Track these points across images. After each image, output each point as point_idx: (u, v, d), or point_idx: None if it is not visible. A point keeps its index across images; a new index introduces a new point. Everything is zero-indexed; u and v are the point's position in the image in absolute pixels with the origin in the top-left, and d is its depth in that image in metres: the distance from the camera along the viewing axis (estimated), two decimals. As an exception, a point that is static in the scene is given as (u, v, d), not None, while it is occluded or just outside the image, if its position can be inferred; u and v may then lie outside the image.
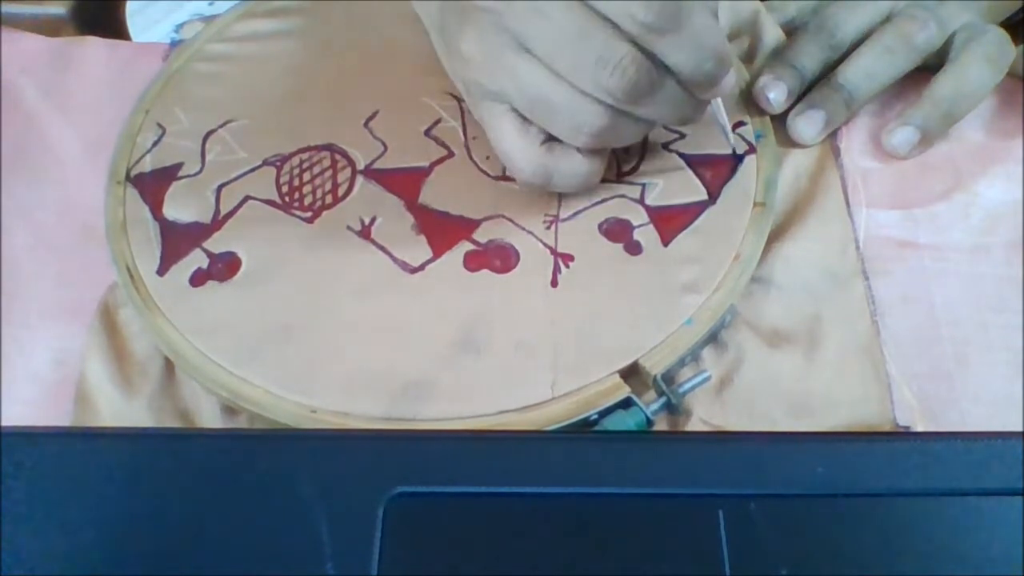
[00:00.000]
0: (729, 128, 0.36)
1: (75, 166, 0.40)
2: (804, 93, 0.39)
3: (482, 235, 0.36)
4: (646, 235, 0.36)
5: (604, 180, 0.37)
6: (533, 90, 0.31)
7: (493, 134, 0.34)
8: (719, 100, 0.35)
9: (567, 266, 0.35)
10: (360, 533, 0.26)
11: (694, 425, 0.32)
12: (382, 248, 0.36)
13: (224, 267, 0.36)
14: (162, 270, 0.36)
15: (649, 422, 0.31)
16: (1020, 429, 0.32)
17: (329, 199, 0.37)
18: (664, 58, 0.29)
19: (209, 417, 0.34)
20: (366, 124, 0.39)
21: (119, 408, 0.33)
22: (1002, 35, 0.38)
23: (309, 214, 0.37)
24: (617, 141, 0.33)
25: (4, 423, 0.33)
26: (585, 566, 0.26)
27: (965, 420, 0.32)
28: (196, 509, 0.27)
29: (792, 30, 0.42)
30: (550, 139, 0.33)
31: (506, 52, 0.30)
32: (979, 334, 0.34)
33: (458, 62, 0.33)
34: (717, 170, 0.37)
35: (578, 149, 0.33)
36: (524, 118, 0.33)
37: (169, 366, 0.35)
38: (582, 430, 0.32)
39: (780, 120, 0.39)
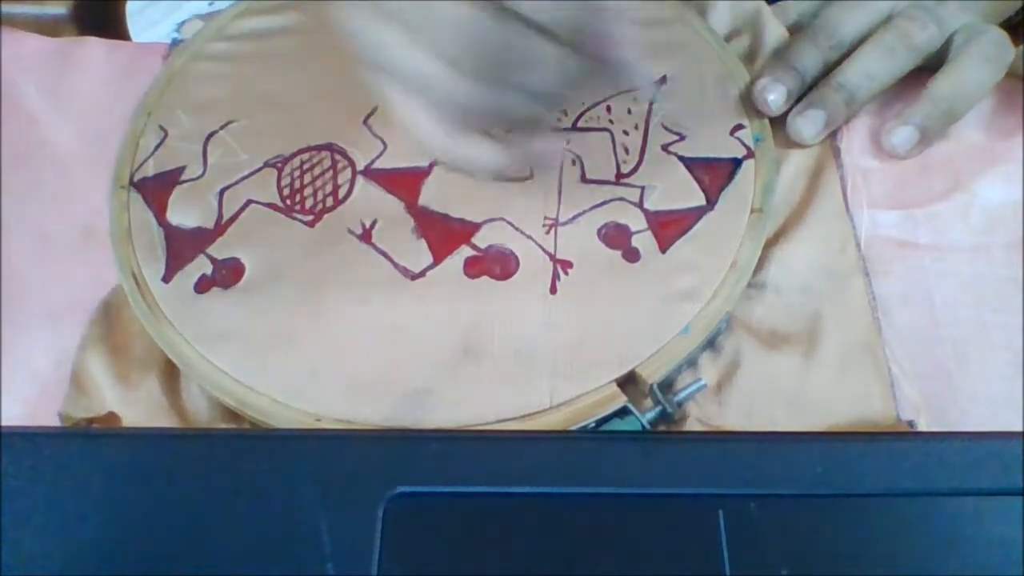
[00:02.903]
0: None
1: (75, 166, 0.40)
2: (804, 93, 0.39)
3: (482, 240, 0.36)
4: (644, 242, 0.35)
5: (603, 182, 0.37)
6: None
7: (403, 113, 0.32)
8: None
9: (566, 273, 0.35)
10: (360, 533, 0.26)
11: (691, 426, 0.32)
12: (383, 253, 0.36)
13: (228, 273, 0.36)
14: (167, 277, 0.36)
15: (645, 431, 0.31)
16: (1020, 429, 0.32)
17: (330, 201, 0.37)
18: None
19: (208, 416, 0.34)
20: (365, 121, 0.39)
21: (117, 406, 0.33)
22: (1001, 35, 0.38)
23: (311, 217, 0.37)
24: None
25: (4, 423, 0.33)
26: (585, 566, 0.26)
27: (965, 420, 0.32)
28: (196, 509, 0.27)
29: (795, 31, 0.42)
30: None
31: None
32: (979, 334, 0.34)
33: None
34: (715, 174, 0.37)
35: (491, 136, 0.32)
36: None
37: (169, 365, 0.35)
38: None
39: (780, 120, 0.39)
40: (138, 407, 0.33)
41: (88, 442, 0.29)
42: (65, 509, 0.27)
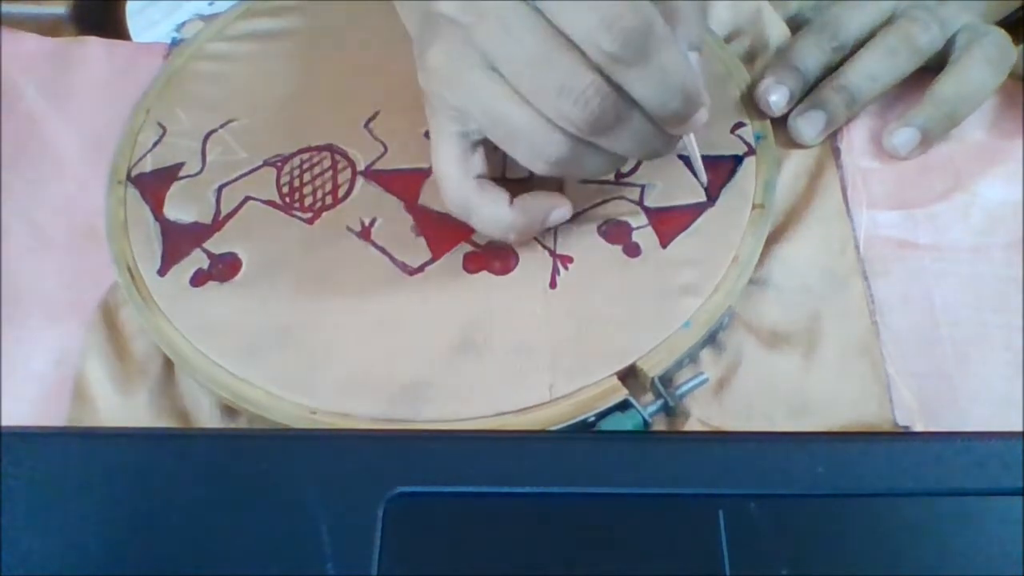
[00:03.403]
0: (701, 165, 0.36)
1: (75, 166, 0.40)
2: (806, 94, 0.39)
3: (481, 236, 0.36)
4: (645, 237, 0.36)
5: (603, 181, 0.37)
6: (495, 110, 0.30)
7: (434, 149, 0.33)
8: (691, 136, 0.34)
9: (566, 268, 0.35)
10: (360, 533, 0.26)
11: (692, 426, 0.32)
12: (382, 249, 0.36)
13: (224, 268, 0.36)
14: (163, 270, 0.36)
15: (646, 424, 0.32)
16: (1020, 429, 0.32)
17: (329, 200, 0.37)
18: (629, 90, 0.28)
19: (208, 416, 0.34)
20: (366, 125, 0.40)
21: (117, 406, 0.33)
22: (1003, 36, 0.38)
23: (309, 215, 0.37)
24: (580, 172, 0.32)
25: (4, 423, 0.33)
26: (585, 566, 0.26)
27: (965, 420, 0.32)
28: (196, 509, 0.27)
29: (795, 26, 0.42)
30: (484, 176, 0.33)
31: (472, 68, 0.29)
32: (979, 334, 0.34)
33: (423, 72, 0.32)
34: (716, 172, 0.37)
35: (510, 201, 0.33)
36: (469, 147, 0.32)
37: (168, 365, 0.35)
38: (581, 431, 0.32)
39: (781, 120, 0.39)
40: (138, 408, 0.33)
41: (88, 442, 0.29)
42: (65, 509, 0.27)
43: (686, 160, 0.37)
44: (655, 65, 0.28)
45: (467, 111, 0.31)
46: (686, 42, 0.30)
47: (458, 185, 0.33)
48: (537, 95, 0.29)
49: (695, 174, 0.36)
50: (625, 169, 0.37)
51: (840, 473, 0.27)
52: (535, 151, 0.30)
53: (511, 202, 0.33)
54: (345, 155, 0.39)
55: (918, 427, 0.32)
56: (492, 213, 0.33)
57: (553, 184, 0.37)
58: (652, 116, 0.29)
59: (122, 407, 0.33)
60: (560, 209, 0.34)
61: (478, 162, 0.33)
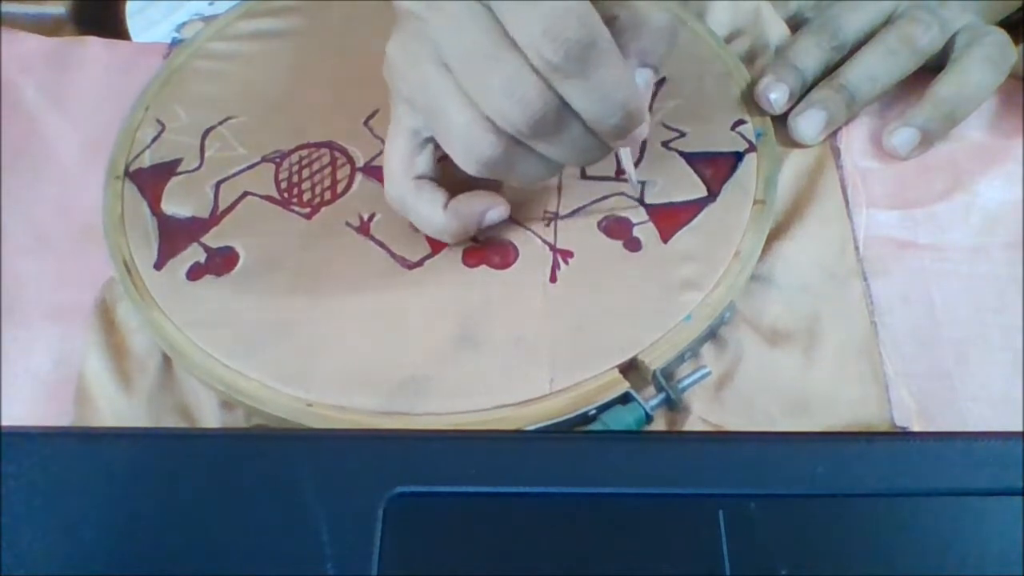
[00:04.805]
0: (635, 178, 0.36)
1: (74, 165, 0.40)
2: (806, 93, 0.39)
3: (480, 231, 0.36)
4: (645, 232, 0.36)
5: (603, 178, 0.37)
6: (437, 104, 0.30)
7: (387, 141, 0.33)
8: (627, 149, 0.34)
9: (566, 262, 0.35)
10: (360, 533, 0.26)
11: (692, 423, 0.32)
12: (380, 243, 0.36)
13: (222, 262, 0.36)
14: (159, 264, 0.36)
15: (648, 418, 0.31)
16: (1020, 429, 0.32)
17: (328, 195, 0.37)
18: (569, 101, 0.28)
19: (208, 412, 0.34)
20: (366, 122, 0.40)
21: (118, 404, 0.33)
22: (1003, 37, 0.38)
23: (308, 210, 0.37)
24: (511, 177, 0.32)
25: (4, 423, 0.33)
26: (585, 566, 0.26)
27: (965, 420, 0.32)
28: (196, 509, 0.27)
29: (794, 25, 0.42)
30: (426, 177, 0.33)
31: (423, 61, 0.29)
32: (979, 334, 0.34)
33: (384, 62, 0.32)
34: (717, 168, 0.37)
35: (446, 204, 0.33)
36: (417, 146, 0.33)
37: (167, 361, 0.35)
38: (580, 426, 0.32)
39: (781, 121, 0.39)
40: (139, 405, 0.33)
41: (88, 442, 0.29)
42: (65, 509, 0.27)
43: (686, 157, 0.37)
44: (595, 80, 0.28)
45: (414, 103, 0.31)
46: (640, 59, 0.30)
47: (397, 182, 0.33)
48: (480, 92, 0.29)
49: (631, 183, 0.36)
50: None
51: (840, 473, 0.27)
52: (469, 149, 0.30)
53: (446, 205, 0.33)
54: (344, 152, 0.39)
55: (915, 427, 0.32)
56: (426, 214, 0.33)
57: (551, 182, 0.37)
58: (590, 128, 0.30)
59: (123, 404, 0.33)
60: (496, 209, 0.34)
61: (422, 162, 0.33)
